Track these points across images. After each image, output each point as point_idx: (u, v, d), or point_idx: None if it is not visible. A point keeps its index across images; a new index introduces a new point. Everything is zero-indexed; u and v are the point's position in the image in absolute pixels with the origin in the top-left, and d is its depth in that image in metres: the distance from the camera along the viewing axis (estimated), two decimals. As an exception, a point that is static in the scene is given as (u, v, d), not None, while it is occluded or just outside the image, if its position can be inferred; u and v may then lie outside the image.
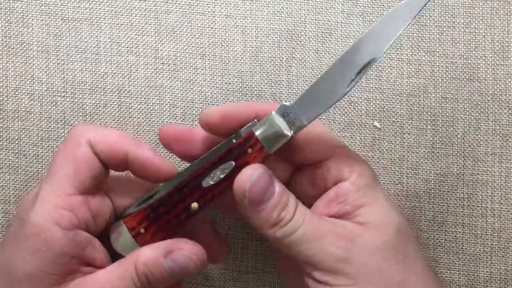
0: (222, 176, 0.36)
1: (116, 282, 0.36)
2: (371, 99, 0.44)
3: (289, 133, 0.36)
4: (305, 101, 0.36)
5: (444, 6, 0.44)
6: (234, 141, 0.36)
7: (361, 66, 0.35)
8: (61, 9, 0.45)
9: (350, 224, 0.36)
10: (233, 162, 0.36)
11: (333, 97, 0.35)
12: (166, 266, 0.36)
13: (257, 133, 0.36)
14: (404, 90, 0.44)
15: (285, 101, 0.37)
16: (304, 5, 0.44)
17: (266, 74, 0.44)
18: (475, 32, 0.43)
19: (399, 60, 0.44)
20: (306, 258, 0.35)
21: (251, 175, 0.35)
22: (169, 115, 0.45)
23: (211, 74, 0.45)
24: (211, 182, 0.36)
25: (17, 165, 0.45)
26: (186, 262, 0.36)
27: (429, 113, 0.44)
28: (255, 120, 0.37)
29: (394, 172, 0.44)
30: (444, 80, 0.44)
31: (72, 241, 0.36)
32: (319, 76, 0.36)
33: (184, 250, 0.36)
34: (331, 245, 0.35)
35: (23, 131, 0.45)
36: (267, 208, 0.35)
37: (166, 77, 0.45)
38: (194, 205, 0.37)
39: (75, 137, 0.37)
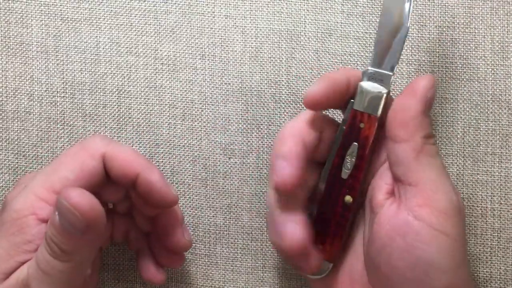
0: (353, 160, 0.37)
1: None
2: (371, 99, 0.44)
3: (383, 90, 0.37)
4: (379, 55, 0.37)
5: (444, 6, 0.44)
6: (344, 127, 0.37)
7: None
8: (61, 10, 0.45)
9: None
10: (356, 143, 0.37)
11: (399, 36, 0.37)
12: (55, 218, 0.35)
13: (359, 107, 0.37)
14: (404, 90, 0.44)
15: (365, 67, 0.38)
16: (304, 5, 0.44)
17: (266, 74, 0.44)
18: (475, 32, 0.43)
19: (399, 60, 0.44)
20: (416, 180, 0.35)
21: (434, 80, 0.36)
22: (169, 115, 0.45)
23: (210, 75, 0.45)
24: (348, 170, 0.37)
25: (16, 165, 0.45)
26: (66, 213, 0.34)
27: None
28: (351, 100, 0.37)
29: (394, 172, 0.44)
30: (444, 80, 0.44)
31: (43, 233, 0.36)
32: (377, 28, 0.38)
33: (69, 199, 0.34)
34: (451, 190, 0.36)
35: (23, 131, 0.45)
36: (429, 118, 0.36)
37: (166, 77, 0.45)
38: (347, 198, 0.38)
39: (92, 148, 0.38)
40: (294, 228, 0.37)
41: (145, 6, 0.45)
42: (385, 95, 0.37)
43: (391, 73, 0.37)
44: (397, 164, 0.36)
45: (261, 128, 0.45)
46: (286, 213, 0.37)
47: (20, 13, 0.45)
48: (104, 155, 0.38)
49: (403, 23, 0.37)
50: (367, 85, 0.37)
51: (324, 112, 0.39)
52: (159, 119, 0.45)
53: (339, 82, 0.37)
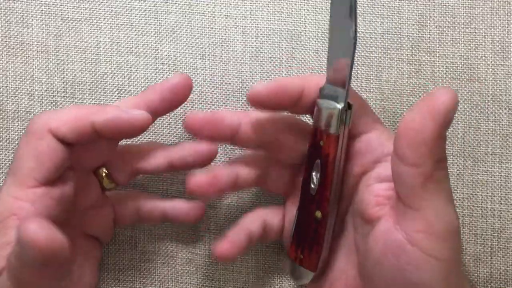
0: (318, 175, 0.37)
1: None
2: (371, 99, 0.44)
3: (337, 107, 0.35)
4: (332, 71, 0.36)
5: (444, 6, 0.44)
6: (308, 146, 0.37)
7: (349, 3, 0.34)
8: (61, 9, 0.45)
9: None
10: (318, 160, 0.37)
11: (348, 50, 0.34)
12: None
13: (318, 125, 0.36)
14: (404, 90, 0.44)
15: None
16: (304, 5, 0.44)
17: (266, 74, 0.44)
18: (475, 32, 0.43)
19: (399, 60, 0.44)
20: (419, 206, 0.33)
21: (456, 97, 0.31)
22: (169, 115, 0.45)
23: (211, 74, 0.45)
24: (314, 186, 0.37)
25: (17, 165, 0.45)
26: (24, 245, 0.33)
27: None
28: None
29: (394, 172, 0.44)
30: (444, 80, 0.44)
31: None
32: (327, 47, 0.36)
33: (26, 232, 0.32)
34: (452, 215, 0.34)
35: (23, 131, 0.45)
36: (444, 139, 0.32)
37: (166, 77, 0.45)
38: (317, 214, 0.37)
39: (36, 129, 0.37)
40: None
41: (145, 6, 0.45)
42: (338, 112, 0.35)
43: (343, 89, 0.35)
44: (401, 185, 0.33)
45: (261, 128, 0.45)
46: None
47: (20, 13, 0.45)
48: (51, 130, 0.37)
49: (351, 37, 0.34)
50: (323, 102, 0.36)
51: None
52: (159, 119, 0.45)
53: (289, 86, 0.36)
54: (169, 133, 0.45)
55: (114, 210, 0.42)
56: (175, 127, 0.45)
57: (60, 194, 0.38)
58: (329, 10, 0.35)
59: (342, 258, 0.39)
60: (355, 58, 0.36)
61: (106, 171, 0.41)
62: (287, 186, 0.41)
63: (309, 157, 0.37)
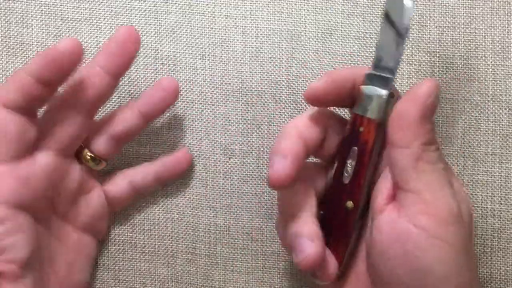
0: (353, 164, 0.37)
1: None
2: (371, 100, 0.44)
3: (383, 93, 0.36)
4: (380, 58, 0.36)
5: (445, 7, 0.44)
6: (345, 134, 0.37)
7: None
8: (61, 10, 0.45)
9: None
10: (355, 147, 0.36)
11: (400, 38, 0.36)
12: None
13: (359, 111, 0.36)
14: (404, 90, 0.44)
15: (367, 69, 0.37)
16: (304, 5, 0.44)
17: (266, 75, 0.44)
18: (475, 33, 0.43)
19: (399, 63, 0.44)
20: (415, 188, 0.34)
21: (437, 85, 0.35)
22: (169, 115, 0.45)
23: (211, 75, 0.45)
24: (348, 175, 0.37)
25: (17, 165, 0.45)
26: None
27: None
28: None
29: (394, 173, 0.44)
30: (444, 81, 0.44)
31: None
32: (378, 31, 0.37)
33: None
34: (450, 198, 0.35)
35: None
36: (430, 125, 0.35)
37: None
38: (349, 204, 0.37)
39: None
40: (309, 246, 0.36)
41: (145, 6, 0.45)
42: (385, 98, 0.36)
43: (392, 76, 0.36)
44: (396, 170, 0.35)
45: (261, 128, 0.44)
46: (298, 224, 0.37)
47: (20, 13, 0.45)
48: (1, 102, 0.37)
49: (404, 26, 0.36)
50: (367, 88, 0.36)
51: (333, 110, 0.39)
52: (160, 119, 0.45)
53: (343, 79, 0.37)
54: (168, 133, 0.45)
55: (108, 192, 0.43)
56: (175, 127, 0.45)
57: (27, 174, 0.37)
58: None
59: (359, 254, 0.39)
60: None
61: (90, 153, 0.41)
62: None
63: (343, 145, 0.37)
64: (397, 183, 0.35)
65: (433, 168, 0.35)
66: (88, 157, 0.41)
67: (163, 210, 0.45)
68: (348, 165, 0.37)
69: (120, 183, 0.43)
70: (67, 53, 0.36)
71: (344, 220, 0.37)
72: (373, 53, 0.37)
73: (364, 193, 0.37)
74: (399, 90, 0.44)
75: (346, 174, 0.37)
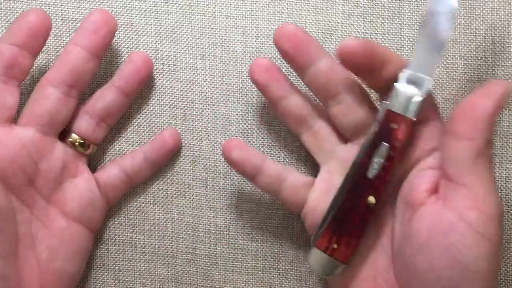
0: (382, 160, 0.37)
1: None
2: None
3: (419, 92, 0.36)
4: (419, 60, 0.37)
5: (445, 7, 0.44)
6: (375, 127, 0.37)
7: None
8: (61, 10, 0.45)
9: None
10: (386, 144, 0.37)
11: (441, 41, 0.36)
12: None
13: (393, 108, 0.36)
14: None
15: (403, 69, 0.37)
16: (305, 5, 0.44)
17: (266, 75, 0.44)
18: (476, 33, 0.43)
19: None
20: (469, 182, 0.35)
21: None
22: (169, 116, 0.45)
23: (211, 75, 0.45)
24: (375, 171, 0.37)
25: (17, 165, 0.45)
26: None
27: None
28: (384, 102, 0.37)
29: (394, 173, 0.44)
30: (445, 81, 0.44)
31: None
32: (419, 31, 0.37)
33: None
34: (497, 196, 0.35)
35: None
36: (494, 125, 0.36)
37: (166, 77, 0.45)
38: (371, 199, 0.37)
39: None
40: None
41: (145, 6, 0.45)
42: (422, 98, 0.36)
43: (430, 78, 0.36)
44: (452, 162, 0.35)
45: (261, 128, 0.44)
46: None
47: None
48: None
49: (447, 29, 0.36)
50: (403, 87, 0.36)
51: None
52: (160, 119, 0.45)
53: (379, 51, 0.36)
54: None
55: (99, 180, 0.43)
56: (175, 127, 0.45)
57: (4, 139, 0.39)
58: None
59: (372, 250, 0.39)
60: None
61: (76, 136, 0.42)
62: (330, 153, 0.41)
63: (373, 140, 0.37)
64: (449, 175, 0.35)
65: (489, 166, 0.35)
66: (74, 140, 0.42)
67: (163, 210, 0.45)
68: (375, 160, 0.37)
69: (110, 168, 0.44)
70: (33, 17, 0.39)
71: (363, 214, 0.37)
72: (412, 54, 0.36)
73: (386, 190, 0.37)
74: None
75: (373, 170, 0.37)
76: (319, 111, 0.41)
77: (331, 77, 0.39)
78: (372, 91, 0.40)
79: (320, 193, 0.40)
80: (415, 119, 0.36)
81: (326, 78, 0.39)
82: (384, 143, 0.37)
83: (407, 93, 0.36)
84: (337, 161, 0.40)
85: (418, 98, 0.36)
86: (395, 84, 0.37)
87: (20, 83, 0.40)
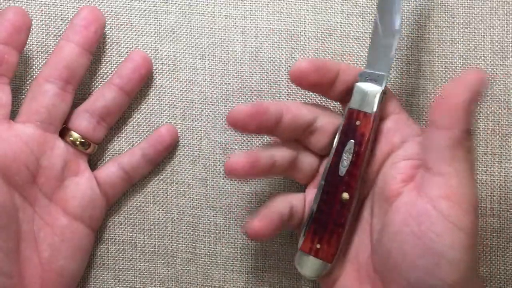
0: (350, 156, 0.38)
1: None
2: (371, 99, 0.44)
3: (378, 88, 0.38)
4: (374, 57, 0.39)
5: (444, 6, 0.44)
6: (341, 128, 0.39)
7: None
8: (61, 10, 0.45)
9: None
10: (352, 140, 0.38)
11: (393, 38, 0.38)
12: None
13: (354, 106, 0.38)
14: (404, 90, 0.44)
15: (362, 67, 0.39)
16: (304, 5, 0.44)
17: (266, 75, 0.44)
18: (475, 32, 0.43)
19: (398, 60, 0.44)
20: (445, 171, 0.35)
21: (486, 76, 0.35)
22: (169, 115, 0.45)
23: (210, 75, 0.45)
24: (344, 167, 0.38)
25: (17, 165, 0.45)
26: None
27: (428, 113, 0.44)
28: (348, 103, 0.39)
29: (394, 172, 0.44)
30: (444, 80, 0.44)
31: None
32: (372, 31, 0.39)
33: None
34: (473, 188, 0.35)
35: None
36: (473, 116, 0.35)
37: (166, 77, 0.45)
38: (344, 195, 0.38)
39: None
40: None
41: (145, 6, 0.45)
42: (379, 92, 0.38)
43: (385, 74, 0.38)
44: (431, 151, 0.35)
45: (261, 128, 0.45)
46: None
47: None
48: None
49: (396, 26, 0.38)
50: (362, 85, 0.38)
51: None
52: (159, 119, 0.45)
53: (328, 65, 0.38)
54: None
55: (99, 178, 0.43)
56: (174, 127, 0.45)
57: (5, 136, 0.39)
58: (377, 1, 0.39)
59: (353, 246, 0.39)
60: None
61: (77, 135, 0.42)
62: (312, 175, 0.41)
63: (340, 138, 0.38)
64: (426, 164, 0.36)
65: (467, 157, 0.35)
66: (74, 139, 0.42)
67: (163, 210, 0.45)
68: (345, 158, 0.38)
69: (109, 167, 0.44)
70: (11, 14, 0.40)
71: (340, 211, 0.38)
72: (367, 53, 0.38)
73: (358, 184, 0.38)
74: (399, 90, 0.44)
75: (342, 167, 0.38)
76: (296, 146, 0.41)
77: (298, 122, 0.39)
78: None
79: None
80: (376, 112, 0.38)
81: (293, 126, 0.39)
82: (351, 140, 0.38)
83: (366, 90, 0.38)
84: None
85: (376, 93, 0.38)
86: (355, 83, 0.39)
87: (10, 81, 0.41)
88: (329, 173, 0.39)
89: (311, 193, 0.40)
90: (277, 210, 0.39)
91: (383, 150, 0.38)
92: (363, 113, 0.38)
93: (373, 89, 0.38)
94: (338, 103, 0.42)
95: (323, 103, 0.44)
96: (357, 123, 0.38)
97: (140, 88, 0.44)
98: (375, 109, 0.38)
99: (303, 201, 0.41)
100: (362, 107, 0.38)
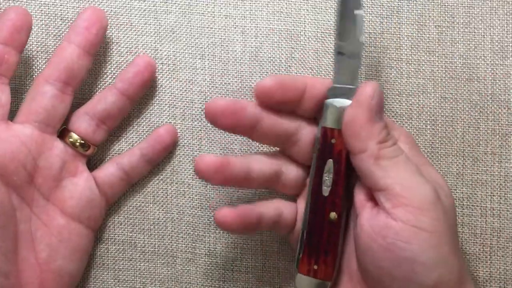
0: (331, 176, 0.38)
1: None
2: (371, 99, 0.44)
3: (349, 102, 0.37)
4: (340, 71, 0.38)
5: (444, 6, 0.44)
6: (318, 147, 0.38)
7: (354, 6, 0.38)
8: (61, 10, 0.45)
9: None
10: (330, 159, 0.37)
11: (356, 50, 0.38)
12: None
13: (327, 124, 0.38)
14: (404, 90, 0.44)
15: (330, 79, 0.39)
16: (304, 5, 0.44)
17: (266, 74, 0.44)
18: (475, 32, 0.43)
19: (398, 60, 0.44)
20: (384, 185, 0.35)
21: (377, 86, 0.36)
22: (169, 115, 0.45)
23: (210, 74, 0.45)
24: (327, 187, 0.38)
25: (17, 165, 0.45)
26: None
27: (428, 113, 0.44)
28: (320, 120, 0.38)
29: (394, 172, 0.44)
30: (444, 80, 0.44)
31: None
32: (334, 45, 0.39)
33: None
34: (422, 185, 0.35)
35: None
36: (381, 123, 0.36)
37: (166, 77, 0.45)
38: (332, 215, 0.38)
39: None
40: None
41: (145, 6, 0.45)
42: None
43: (354, 87, 0.38)
44: (362, 175, 0.36)
45: (261, 128, 0.45)
46: None
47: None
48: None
49: (358, 38, 0.38)
50: (333, 101, 0.38)
51: None
52: (159, 119, 0.45)
53: (293, 82, 0.38)
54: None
55: (97, 178, 0.43)
56: (174, 127, 0.45)
57: (3, 136, 0.39)
58: (336, 14, 0.38)
59: (346, 253, 0.40)
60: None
61: (76, 136, 0.42)
62: (300, 186, 0.41)
63: (318, 159, 0.38)
64: (368, 187, 0.36)
65: (395, 161, 0.36)
66: (74, 141, 0.42)
67: (163, 210, 0.45)
68: (326, 178, 0.38)
69: (108, 167, 0.44)
70: (13, 14, 0.40)
71: (329, 231, 0.38)
72: (333, 64, 0.38)
73: (345, 201, 0.38)
74: (398, 90, 0.44)
75: (325, 187, 0.38)
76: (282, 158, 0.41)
77: (278, 129, 0.39)
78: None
79: None
80: None
81: (273, 133, 0.39)
82: (329, 159, 0.38)
83: (335, 106, 0.37)
84: None
85: (345, 108, 0.37)
86: (325, 101, 0.38)
87: (9, 81, 0.41)
88: (313, 194, 0.38)
89: (302, 203, 0.40)
90: (257, 210, 0.39)
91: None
92: (337, 131, 0.37)
93: (344, 105, 0.37)
94: None
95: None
96: (332, 141, 0.37)
97: (143, 92, 0.44)
98: None
99: (295, 209, 0.41)
100: (335, 124, 0.37)
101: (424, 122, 0.44)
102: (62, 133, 0.42)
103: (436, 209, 0.35)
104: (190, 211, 0.45)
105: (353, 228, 0.38)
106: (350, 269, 0.39)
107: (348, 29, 0.38)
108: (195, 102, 0.45)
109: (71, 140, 0.42)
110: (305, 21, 0.44)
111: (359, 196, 0.37)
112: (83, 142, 0.42)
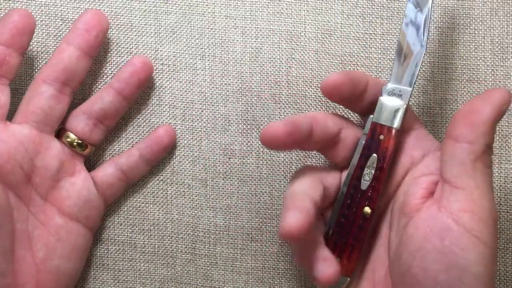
0: (373, 171, 0.38)
1: None
2: (371, 100, 0.44)
3: (402, 103, 0.38)
4: (398, 72, 0.38)
5: (444, 8, 0.44)
6: (363, 140, 0.38)
7: (426, 13, 0.38)
8: (61, 10, 0.45)
9: None
10: (375, 154, 0.38)
11: (417, 53, 0.38)
12: None
13: (378, 120, 0.38)
14: (404, 91, 0.44)
15: (386, 81, 0.39)
16: (304, 6, 0.44)
17: (266, 75, 0.44)
18: (475, 33, 0.43)
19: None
20: (465, 185, 0.35)
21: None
22: (169, 116, 0.45)
23: (210, 75, 0.45)
24: (367, 181, 0.38)
25: (17, 165, 0.45)
26: None
27: (429, 114, 0.44)
28: (370, 115, 0.38)
29: (394, 173, 0.44)
30: (444, 81, 0.44)
31: None
32: (396, 45, 0.39)
33: None
34: (492, 203, 0.35)
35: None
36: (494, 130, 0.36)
37: (166, 77, 0.45)
38: (366, 209, 0.38)
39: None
40: (327, 267, 0.37)
41: (145, 6, 0.45)
42: (404, 108, 0.38)
43: (409, 88, 0.38)
44: (451, 164, 0.35)
45: (261, 129, 0.44)
46: (312, 251, 0.37)
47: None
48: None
49: (421, 42, 0.38)
50: (386, 99, 0.38)
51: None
52: (159, 120, 0.45)
53: (359, 77, 0.38)
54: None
55: (96, 178, 0.43)
56: (174, 127, 0.45)
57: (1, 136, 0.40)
58: (404, 16, 0.39)
59: (370, 261, 0.39)
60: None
61: (74, 136, 0.42)
62: (337, 189, 0.40)
63: (363, 152, 0.38)
64: (446, 178, 0.36)
65: (487, 171, 0.35)
66: (71, 140, 0.42)
67: (163, 210, 0.45)
68: (367, 172, 0.38)
69: (106, 167, 0.44)
70: (16, 16, 0.40)
71: (361, 226, 0.38)
72: (391, 67, 0.37)
73: (380, 200, 0.38)
74: (399, 91, 0.44)
75: (365, 181, 0.38)
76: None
77: (326, 135, 0.38)
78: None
79: None
80: (399, 127, 0.38)
81: (323, 139, 0.38)
82: (373, 154, 0.38)
83: (390, 104, 0.38)
84: None
85: (400, 108, 0.38)
86: (379, 97, 0.38)
87: (10, 82, 0.41)
88: (351, 186, 0.38)
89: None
90: (310, 199, 0.37)
91: (403, 164, 0.38)
92: (387, 128, 0.38)
93: (397, 104, 0.38)
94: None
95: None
96: (381, 137, 0.38)
97: (139, 92, 0.44)
98: (398, 124, 0.38)
99: (338, 177, 0.40)
100: (386, 121, 0.38)
101: (424, 123, 0.44)
102: (60, 133, 0.42)
103: (495, 227, 0.35)
104: (190, 211, 0.45)
105: (397, 232, 0.37)
106: (375, 276, 0.38)
107: (413, 33, 0.38)
108: (195, 103, 0.45)
109: (68, 140, 0.42)
110: (305, 22, 0.44)
111: (412, 199, 0.37)
112: (80, 142, 0.42)
